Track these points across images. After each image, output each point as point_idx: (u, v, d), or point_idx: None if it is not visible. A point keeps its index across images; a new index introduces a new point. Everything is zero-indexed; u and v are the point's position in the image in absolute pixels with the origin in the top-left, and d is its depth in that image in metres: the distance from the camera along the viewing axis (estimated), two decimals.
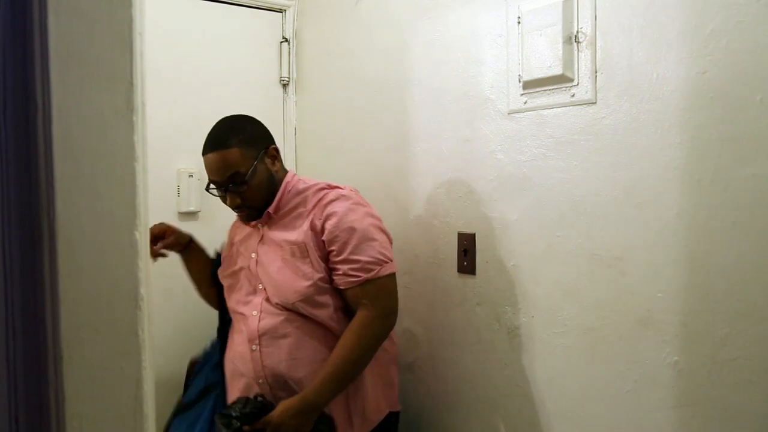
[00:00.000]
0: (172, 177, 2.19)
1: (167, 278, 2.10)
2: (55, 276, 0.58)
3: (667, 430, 1.28)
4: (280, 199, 1.66)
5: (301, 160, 2.44)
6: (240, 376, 1.61)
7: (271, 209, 1.65)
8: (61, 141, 0.58)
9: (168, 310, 2.09)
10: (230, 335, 1.71)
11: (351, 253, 1.53)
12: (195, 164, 2.22)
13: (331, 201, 1.59)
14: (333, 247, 1.55)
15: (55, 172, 0.58)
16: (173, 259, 2.19)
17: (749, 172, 1.13)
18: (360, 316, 1.54)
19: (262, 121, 2.43)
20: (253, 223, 1.69)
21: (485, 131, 1.63)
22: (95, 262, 0.61)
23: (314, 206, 1.61)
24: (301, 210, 1.64)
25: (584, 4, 1.39)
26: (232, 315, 1.72)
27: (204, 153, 1.62)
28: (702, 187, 1.20)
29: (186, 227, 2.22)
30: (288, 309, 1.58)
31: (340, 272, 1.55)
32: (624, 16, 1.32)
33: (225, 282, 1.76)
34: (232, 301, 1.71)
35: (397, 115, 1.94)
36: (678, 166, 1.24)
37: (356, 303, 1.55)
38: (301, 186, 1.67)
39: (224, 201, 1.65)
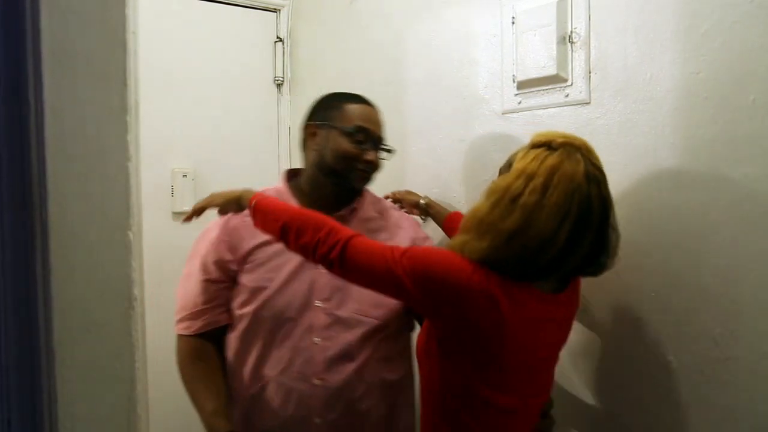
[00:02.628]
0: (166, 177, 2.19)
1: (162, 278, 2.10)
2: (48, 276, 0.58)
3: (660, 429, 1.28)
4: (364, 196, 1.51)
5: (295, 160, 2.43)
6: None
7: (357, 203, 1.48)
8: (54, 141, 0.58)
9: (163, 310, 2.08)
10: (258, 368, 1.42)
11: None
12: (189, 164, 2.22)
13: (419, 225, 1.61)
14: None
15: (48, 171, 0.58)
16: (167, 259, 2.18)
17: (742, 172, 1.14)
18: None
19: (256, 121, 2.44)
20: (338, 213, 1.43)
21: (480, 131, 1.64)
22: (88, 262, 0.61)
23: (400, 227, 1.51)
24: (381, 223, 1.50)
25: (578, 5, 1.39)
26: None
27: (360, 102, 1.48)
28: (695, 187, 1.21)
29: (180, 228, 2.21)
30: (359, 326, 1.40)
31: None
32: (618, 16, 1.32)
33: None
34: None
35: (391, 115, 1.93)
36: (671, 166, 1.24)
37: None
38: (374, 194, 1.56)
39: (358, 154, 1.40)
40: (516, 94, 1.53)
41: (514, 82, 1.53)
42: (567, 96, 1.42)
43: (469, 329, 1.07)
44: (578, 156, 1.05)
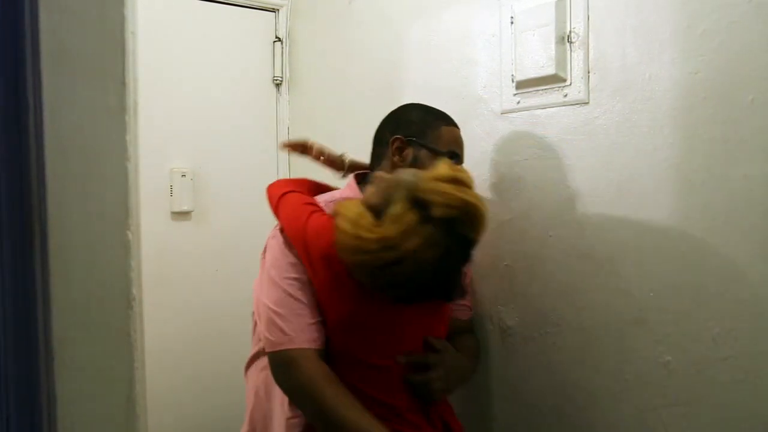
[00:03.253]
0: (165, 176, 2.19)
1: (162, 278, 2.10)
2: (47, 276, 0.58)
3: (659, 429, 1.28)
4: None
5: (294, 161, 2.44)
6: None
7: None
8: (53, 141, 0.58)
9: (162, 310, 2.08)
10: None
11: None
12: (188, 164, 2.22)
13: None
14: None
15: (46, 171, 0.58)
16: (166, 259, 2.18)
17: (741, 172, 1.14)
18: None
19: (255, 121, 2.44)
20: None
21: (478, 131, 1.64)
22: (87, 262, 0.60)
23: None
24: None
25: (577, 5, 1.39)
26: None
27: (452, 125, 1.45)
28: (694, 187, 1.21)
29: (179, 227, 2.22)
30: None
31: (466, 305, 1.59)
32: (617, 16, 1.32)
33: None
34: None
35: None
36: (670, 166, 1.24)
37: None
38: None
39: None
40: (515, 94, 1.54)
41: (512, 81, 1.53)
42: (566, 96, 1.42)
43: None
44: (440, 238, 1.10)
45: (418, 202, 1.11)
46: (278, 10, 2.43)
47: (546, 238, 1.48)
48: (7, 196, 0.57)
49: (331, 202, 1.36)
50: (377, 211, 1.15)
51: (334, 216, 1.20)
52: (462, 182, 1.15)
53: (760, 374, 1.13)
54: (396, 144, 1.39)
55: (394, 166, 1.37)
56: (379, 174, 1.26)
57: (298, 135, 2.40)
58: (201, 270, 2.24)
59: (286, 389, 1.25)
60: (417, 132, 1.39)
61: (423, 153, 1.38)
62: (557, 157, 1.45)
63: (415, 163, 1.36)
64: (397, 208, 1.11)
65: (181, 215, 2.22)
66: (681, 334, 1.24)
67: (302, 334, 1.23)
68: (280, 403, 1.33)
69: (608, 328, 1.36)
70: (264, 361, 1.34)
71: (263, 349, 1.32)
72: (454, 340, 1.44)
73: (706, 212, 1.19)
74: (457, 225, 1.11)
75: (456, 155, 1.40)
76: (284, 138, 2.44)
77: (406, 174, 1.18)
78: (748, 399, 1.14)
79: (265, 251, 1.36)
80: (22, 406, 0.58)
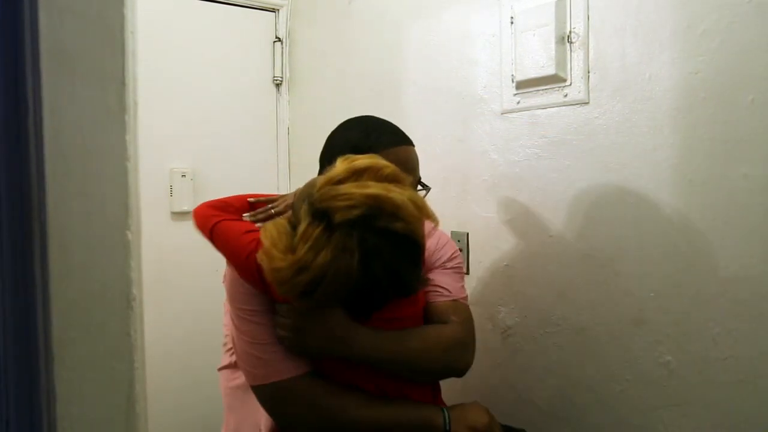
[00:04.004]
0: (165, 177, 2.19)
1: (162, 278, 2.10)
2: (47, 276, 0.58)
3: (659, 429, 1.28)
4: None
5: (294, 160, 2.44)
6: None
7: None
8: (52, 141, 0.58)
9: (162, 310, 2.08)
10: None
11: None
12: (188, 164, 2.22)
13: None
14: None
15: (46, 171, 0.58)
16: (166, 258, 2.18)
17: (741, 172, 1.14)
18: None
19: (255, 121, 2.44)
20: None
21: (478, 131, 1.64)
22: (87, 262, 0.60)
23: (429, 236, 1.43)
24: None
25: (577, 5, 1.39)
26: None
27: (401, 144, 1.33)
28: (694, 187, 1.21)
29: (179, 228, 2.22)
30: None
31: None
32: (616, 16, 1.32)
33: None
34: None
35: (390, 114, 1.93)
36: (670, 166, 1.24)
37: None
38: None
39: None
40: (515, 94, 1.54)
41: (512, 82, 1.53)
42: (566, 96, 1.42)
43: None
44: (353, 243, 0.99)
45: (319, 213, 1.02)
46: (278, 10, 2.43)
47: (546, 239, 1.48)
48: (6, 196, 0.57)
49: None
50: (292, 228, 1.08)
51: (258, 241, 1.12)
52: (364, 172, 1.05)
53: (761, 374, 1.13)
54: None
55: None
56: (298, 188, 1.19)
57: (298, 135, 2.41)
58: (201, 270, 2.23)
59: (286, 419, 1.21)
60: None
61: None
62: (557, 157, 1.45)
63: None
64: (302, 226, 1.03)
65: (181, 215, 2.22)
66: (681, 335, 1.24)
67: (286, 362, 1.17)
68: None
69: (609, 328, 1.36)
70: (234, 380, 1.33)
71: (233, 363, 1.31)
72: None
73: (706, 212, 1.19)
74: (373, 221, 1.00)
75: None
76: (284, 138, 2.44)
77: (310, 184, 1.09)
78: (749, 399, 1.14)
79: (224, 277, 1.31)
80: (22, 406, 0.58)
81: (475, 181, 1.65)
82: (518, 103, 1.53)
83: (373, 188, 1.01)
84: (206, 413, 2.24)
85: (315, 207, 1.02)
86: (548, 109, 1.47)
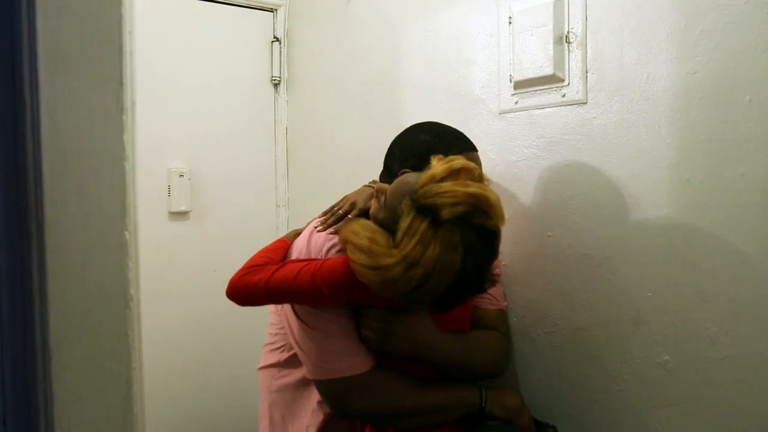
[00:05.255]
0: (163, 177, 2.18)
1: (159, 278, 2.10)
2: (44, 276, 0.58)
3: (657, 429, 1.28)
4: None
5: (292, 160, 2.44)
6: None
7: None
8: (50, 140, 0.58)
9: (160, 310, 2.08)
10: None
11: None
12: (185, 164, 2.22)
13: None
14: None
15: (43, 171, 0.58)
16: (163, 259, 2.18)
17: (738, 172, 1.14)
18: None
19: (253, 121, 2.44)
20: None
21: (476, 131, 1.64)
22: (84, 262, 0.60)
23: None
24: None
25: (575, 5, 1.39)
26: None
27: (471, 149, 1.40)
28: (691, 186, 1.21)
29: (177, 228, 2.22)
30: None
31: None
32: (614, 16, 1.32)
33: None
34: None
35: (388, 115, 1.94)
36: (668, 165, 1.24)
37: None
38: None
39: None
40: (513, 94, 1.54)
41: (510, 82, 1.53)
42: (564, 96, 1.42)
43: None
44: (457, 238, 1.06)
45: (424, 209, 1.07)
46: (276, 10, 2.43)
47: (544, 238, 1.48)
48: (3, 196, 0.57)
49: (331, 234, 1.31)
50: (387, 226, 1.12)
51: (344, 243, 1.15)
52: (461, 172, 1.11)
53: (758, 374, 1.13)
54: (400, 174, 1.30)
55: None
56: (379, 185, 1.24)
57: (296, 135, 2.41)
58: (198, 270, 2.24)
59: (350, 410, 1.26)
60: (423, 163, 1.22)
61: None
62: (555, 157, 1.45)
63: None
64: (406, 221, 1.08)
65: (179, 215, 2.22)
66: (679, 334, 1.24)
67: (360, 356, 1.23)
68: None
69: (606, 328, 1.36)
70: (281, 378, 1.35)
71: (282, 361, 1.36)
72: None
73: (703, 212, 1.19)
74: (471, 218, 1.07)
75: None
76: (282, 138, 2.44)
77: (406, 182, 1.15)
78: (746, 399, 1.14)
79: None
80: (20, 406, 0.58)
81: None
82: (516, 103, 1.53)
83: (473, 187, 1.09)
84: (205, 413, 2.24)
85: (420, 203, 1.08)
86: (546, 109, 1.47)
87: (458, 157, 1.16)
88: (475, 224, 1.07)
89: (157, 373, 1.97)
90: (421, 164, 1.22)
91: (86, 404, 0.61)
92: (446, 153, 1.24)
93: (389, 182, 1.27)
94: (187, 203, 2.22)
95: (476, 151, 1.41)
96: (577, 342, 1.42)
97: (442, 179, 1.10)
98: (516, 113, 1.54)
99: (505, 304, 1.42)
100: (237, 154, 2.35)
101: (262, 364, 1.45)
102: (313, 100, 2.32)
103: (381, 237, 1.10)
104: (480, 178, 1.14)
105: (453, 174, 1.11)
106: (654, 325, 1.28)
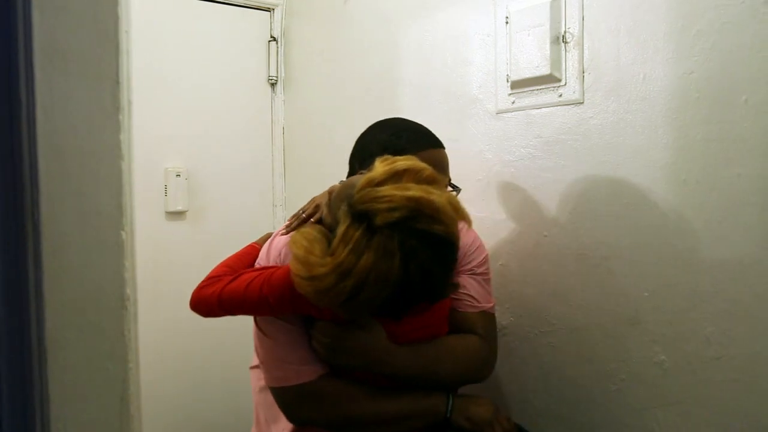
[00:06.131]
0: (160, 176, 2.18)
1: (156, 278, 2.09)
2: (40, 276, 0.58)
3: (654, 428, 1.28)
4: None
5: (289, 160, 2.43)
6: None
7: None
8: (46, 140, 0.58)
9: (157, 311, 2.08)
10: None
11: None
12: (182, 163, 2.22)
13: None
14: None
15: (39, 171, 0.57)
16: (160, 259, 2.18)
17: (734, 171, 1.14)
18: None
19: (250, 121, 2.44)
20: None
21: (473, 131, 1.64)
22: (81, 262, 0.60)
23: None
24: None
25: (572, 5, 1.39)
26: None
27: (433, 146, 1.34)
28: (688, 186, 1.21)
29: (173, 227, 2.21)
30: None
31: None
32: (611, 16, 1.33)
33: None
34: None
35: (385, 114, 1.92)
36: (664, 165, 1.25)
37: None
38: None
39: None
40: (510, 94, 1.54)
41: (507, 81, 1.53)
42: (560, 96, 1.42)
43: None
44: (395, 245, 0.98)
45: (359, 215, 1.00)
46: (273, 9, 2.42)
47: (541, 238, 1.48)
48: (0, 196, 0.57)
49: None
50: (334, 231, 1.06)
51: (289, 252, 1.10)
52: (404, 174, 1.03)
53: (754, 374, 1.13)
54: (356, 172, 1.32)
55: None
56: (331, 187, 1.19)
57: (293, 134, 2.41)
58: (195, 270, 2.21)
59: (302, 418, 1.23)
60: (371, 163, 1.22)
61: None
62: (552, 157, 1.45)
63: None
64: (342, 228, 1.01)
65: (176, 215, 2.22)
66: (676, 334, 1.24)
67: (310, 364, 1.20)
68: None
69: (603, 328, 1.37)
70: (262, 380, 1.34)
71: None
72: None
73: (700, 212, 1.19)
74: (413, 223, 0.99)
75: None
76: (279, 138, 2.44)
77: (350, 184, 1.08)
78: (742, 398, 1.15)
79: None
80: (16, 407, 0.58)
81: (470, 180, 1.65)
82: (513, 103, 1.53)
83: (414, 191, 1.00)
84: (201, 414, 2.23)
85: (355, 208, 1.01)
86: (543, 108, 1.47)
87: (408, 157, 1.09)
88: (417, 229, 1.00)
89: (154, 373, 1.97)
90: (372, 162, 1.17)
91: (83, 404, 0.61)
92: (402, 152, 1.20)
93: None
94: (184, 203, 2.22)
95: (442, 148, 1.35)
96: (574, 341, 1.42)
97: (380, 183, 1.02)
98: (513, 113, 1.54)
99: (490, 305, 1.34)
100: (234, 154, 2.35)
101: (252, 363, 1.45)
102: (311, 100, 2.32)
103: (318, 246, 1.04)
104: (430, 180, 1.05)
105: (395, 176, 1.03)
106: (651, 325, 1.28)
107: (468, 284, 1.31)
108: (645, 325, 1.29)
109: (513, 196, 1.54)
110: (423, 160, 1.12)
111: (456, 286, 1.19)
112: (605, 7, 1.34)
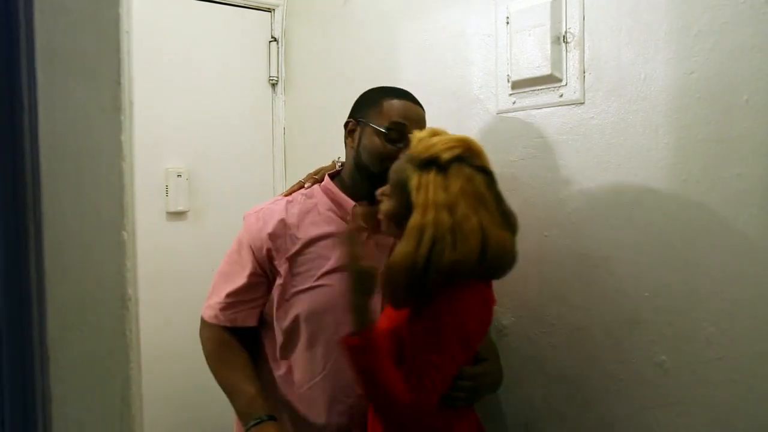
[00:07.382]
0: (161, 176, 2.18)
1: (157, 278, 2.10)
2: (42, 276, 0.58)
3: (654, 428, 1.28)
4: None
5: (290, 160, 2.43)
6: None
7: None
8: (48, 140, 0.58)
9: (158, 310, 2.08)
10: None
11: None
12: (183, 164, 2.22)
13: None
14: None
15: (41, 171, 0.58)
16: (161, 259, 2.18)
17: (735, 171, 1.14)
18: None
19: (251, 121, 2.44)
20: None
21: (474, 131, 1.64)
22: (82, 262, 0.60)
23: None
24: None
25: (572, 5, 1.39)
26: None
27: (398, 97, 1.42)
28: (688, 186, 1.21)
29: (174, 227, 2.22)
30: None
31: None
32: (612, 16, 1.33)
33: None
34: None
35: None
36: (665, 165, 1.25)
37: None
38: None
39: (391, 153, 1.32)
40: (510, 94, 1.54)
41: (508, 82, 1.53)
42: (561, 96, 1.42)
43: None
44: (468, 170, 1.17)
45: (425, 163, 1.16)
46: (274, 9, 2.42)
47: (541, 238, 1.48)
48: (1, 196, 0.57)
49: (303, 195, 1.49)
50: (398, 213, 1.19)
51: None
52: (438, 132, 1.23)
53: (755, 374, 1.13)
54: (348, 127, 1.45)
55: (349, 148, 1.43)
56: (380, 190, 1.26)
57: (294, 135, 2.41)
58: (196, 270, 2.23)
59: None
60: (361, 111, 1.44)
61: (367, 131, 1.39)
62: (553, 157, 1.45)
63: (362, 142, 1.38)
64: (414, 180, 1.16)
65: (177, 215, 2.22)
66: (676, 334, 1.24)
67: (225, 311, 1.49)
68: None
69: (604, 328, 1.37)
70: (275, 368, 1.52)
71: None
72: None
73: (701, 212, 1.19)
74: (470, 161, 1.18)
75: (397, 126, 1.35)
76: (280, 138, 2.44)
77: (396, 164, 1.23)
78: (743, 399, 1.15)
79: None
80: (18, 406, 0.58)
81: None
82: (514, 103, 1.53)
83: (459, 135, 1.22)
84: (202, 413, 2.23)
85: (420, 159, 1.17)
86: (543, 109, 1.47)
87: (434, 128, 1.27)
88: (475, 165, 1.18)
89: (155, 373, 1.97)
90: (361, 108, 1.43)
91: (84, 404, 0.61)
92: (375, 101, 1.41)
93: (349, 152, 1.44)
94: (185, 203, 2.22)
95: (410, 100, 1.45)
96: (575, 342, 1.42)
97: (428, 138, 1.20)
98: (513, 113, 1.54)
99: None
100: (235, 154, 2.35)
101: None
102: (311, 100, 2.32)
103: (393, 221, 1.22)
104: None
105: (435, 134, 1.22)
106: (651, 325, 1.28)
107: None
108: (645, 326, 1.29)
109: (513, 196, 1.54)
110: (393, 107, 1.39)
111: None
112: (606, 7, 1.34)
